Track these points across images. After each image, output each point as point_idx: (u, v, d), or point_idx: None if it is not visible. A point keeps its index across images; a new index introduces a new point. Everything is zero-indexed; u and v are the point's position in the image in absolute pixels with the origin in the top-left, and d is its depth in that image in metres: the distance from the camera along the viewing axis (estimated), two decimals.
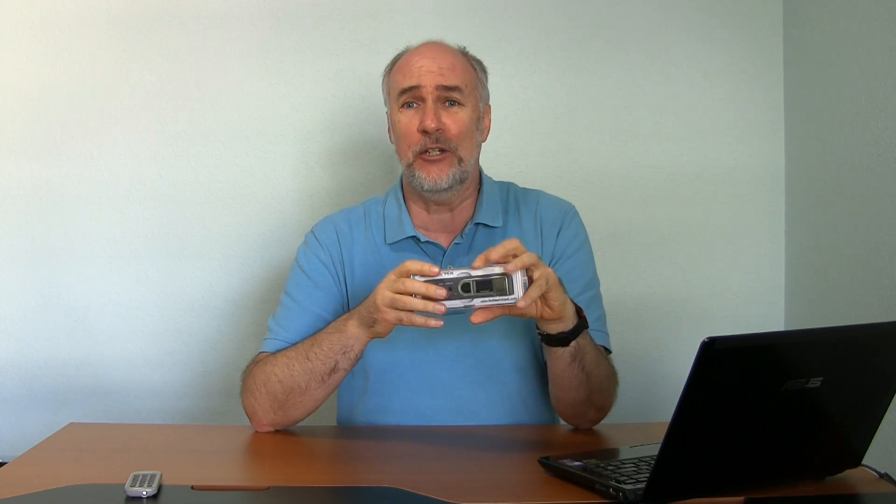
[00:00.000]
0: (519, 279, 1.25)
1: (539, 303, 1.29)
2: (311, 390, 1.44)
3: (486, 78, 1.61)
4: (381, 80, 1.61)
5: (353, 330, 1.40)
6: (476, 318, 1.26)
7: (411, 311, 1.29)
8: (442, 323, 1.29)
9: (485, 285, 1.25)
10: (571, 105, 2.13)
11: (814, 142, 2.01)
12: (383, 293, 1.31)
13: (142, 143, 2.10)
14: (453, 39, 2.10)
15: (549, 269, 1.28)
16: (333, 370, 1.43)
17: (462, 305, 1.26)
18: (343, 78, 2.10)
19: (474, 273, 1.25)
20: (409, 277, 1.29)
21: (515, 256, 1.26)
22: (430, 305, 1.27)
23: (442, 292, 1.26)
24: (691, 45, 2.13)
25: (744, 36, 2.13)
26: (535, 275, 1.26)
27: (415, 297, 1.28)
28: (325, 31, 2.10)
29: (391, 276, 1.31)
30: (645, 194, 2.13)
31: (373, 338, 1.40)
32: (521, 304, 1.25)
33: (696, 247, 2.14)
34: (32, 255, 2.10)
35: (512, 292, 1.25)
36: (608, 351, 1.54)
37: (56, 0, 2.08)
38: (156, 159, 2.10)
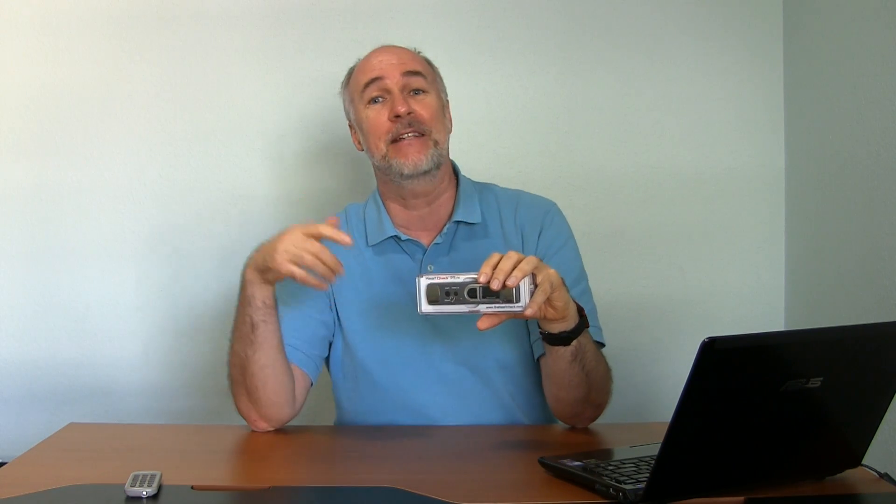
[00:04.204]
0: (525, 285, 1.24)
1: (543, 304, 1.28)
2: (251, 358, 1.43)
3: (440, 75, 1.63)
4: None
5: (248, 276, 1.42)
6: (482, 323, 1.27)
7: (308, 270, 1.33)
8: (326, 287, 1.36)
9: (491, 291, 1.24)
10: (571, 105, 2.12)
11: (814, 141, 2.01)
12: (288, 248, 1.33)
13: (142, 143, 2.10)
14: (453, 39, 2.12)
15: (552, 271, 1.28)
16: (253, 326, 1.42)
17: (467, 310, 1.26)
18: (343, 78, 2.10)
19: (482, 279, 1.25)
20: (318, 239, 1.33)
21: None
22: (328, 272, 1.33)
23: (340, 269, 1.32)
24: (691, 45, 2.13)
25: (744, 36, 2.13)
26: (539, 278, 1.26)
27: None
28: (325, 31, 2.10)
29: (299, 234, 1.34)
30: (645, 194, 2.13)
31: (263, 281, 1.40)
32: (528, 311, 1.25)
33: (696, 247, 2.14)
34: (32, 255, 2.10)
35: (518, 300, 1.25)
36: (602, 345, 1.53)
37: (56, 0, 2.08)
38: (156, 159, 2.11)
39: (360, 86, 1.55)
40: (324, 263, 1.33)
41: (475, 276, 1.25)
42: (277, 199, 2.11)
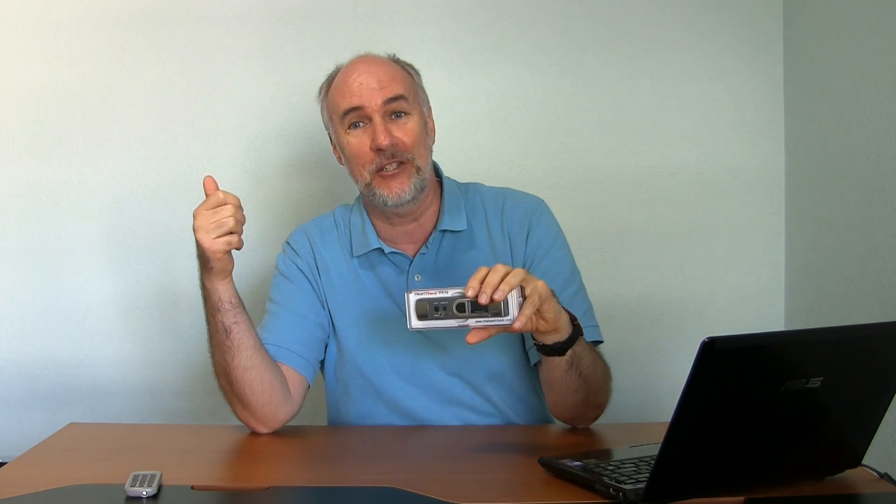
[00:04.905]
0: (513, 299, 1.24)
1: (534, 316, 1.27)
2: (232, 365, 1.43)
3: (421, 79, 1.59)
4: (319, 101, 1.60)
5: (206, 283, 1.42)
6: (472, 338, 1.26)
7: (231, 233, 1.35)
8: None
9: (480, 306, 1.24)
10: (572, 105, 2.13)
11: (814, 141, 2.01)
12: (207, 228, 1.34)
13: (142, 143, 2.10)
14: (453, 39, 2.11)
15: (541, 283, 1.27)
16: (227, 331, 1.43)
17: (457, 325, 1.25)
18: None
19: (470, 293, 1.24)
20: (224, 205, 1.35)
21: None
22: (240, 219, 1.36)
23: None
24: (691, 45, 2.13)
25: (744, 35, 2.13)
26: (527, 291, 1.25)
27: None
28: (325, 31, 2.10)
29: (204, 211, 1.35)
30: (645, 194, 2.13)
31: (220, 277, 1.41)
32: (516, 325, 1.24)
33: (696, 247, 2.14)
34: (32, 255, 2.10)
35: (507, 313, 1.24)
36: (599, 342, 1.53)
37: (56, 0, 2.08)
38: (156, 159, 2.11)
39: (339, 110, 1.52)
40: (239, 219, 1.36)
41: (463, 291, 1.24)
42: (277, 199, 2.11)
